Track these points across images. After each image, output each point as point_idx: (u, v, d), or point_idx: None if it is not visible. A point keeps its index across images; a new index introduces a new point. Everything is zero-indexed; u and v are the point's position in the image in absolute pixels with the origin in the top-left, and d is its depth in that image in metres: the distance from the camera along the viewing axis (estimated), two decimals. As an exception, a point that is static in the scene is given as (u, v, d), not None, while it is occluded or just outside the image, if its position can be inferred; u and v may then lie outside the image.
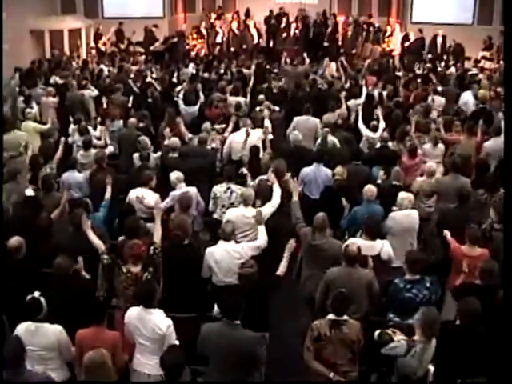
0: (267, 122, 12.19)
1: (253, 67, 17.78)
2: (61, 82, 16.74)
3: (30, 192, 9.00)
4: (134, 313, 6.39)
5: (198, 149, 11.08)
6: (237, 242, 8.00)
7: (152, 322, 6.25)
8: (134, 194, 9.33)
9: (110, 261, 7.31)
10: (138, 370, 6.35)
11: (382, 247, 7.76)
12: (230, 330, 6.03)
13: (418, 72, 18.29)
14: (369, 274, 7.20)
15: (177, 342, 6.19)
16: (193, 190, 9.33)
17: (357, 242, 7.45)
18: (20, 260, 7.45)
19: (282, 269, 7.44)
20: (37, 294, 6.29)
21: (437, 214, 9.07)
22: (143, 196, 9.23)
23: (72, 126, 12.94)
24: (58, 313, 6.44)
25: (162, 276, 7.34)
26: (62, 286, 6.90)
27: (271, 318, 7.18)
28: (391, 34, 23.10)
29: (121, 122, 13.07)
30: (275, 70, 19.26)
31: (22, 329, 6.20)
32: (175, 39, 22.95)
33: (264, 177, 9.55)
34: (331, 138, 11.60)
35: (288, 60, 19.21)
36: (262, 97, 14.35)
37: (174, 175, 9.46)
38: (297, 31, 23.63)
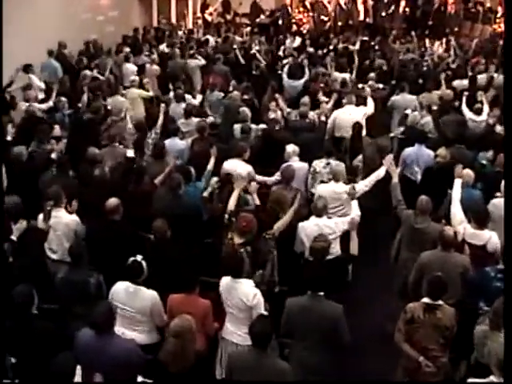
0: (370, 100, 12.02)
1: (358, 44, 17.55)
2: (167, 50, 16.97)
3: (130, 153, 9.18)
4: (223, 283, 6.43)
5: (305, 123, 11.01)
6: (329, 218, 7.93)
7: (239, 292, 6.26)
8: (227, 164, 9.37)
9: (228, 222, 7.41)
10: (227, 338, 6.39)
11: (490, 238, 7.41)
12: (314, 302, 6.01)
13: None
14: (465, 260, 7.00)
15: (265, 313, 6.15)
16: (304, 166, 9.33)
17: (459, 228, 7.27)
18: (117, 221, 7.58)
19: (354, 247, 7.31)
20: (139, 257, 6.38)
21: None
22: (236, 167, 9.25)
23: (171, 94, 13.13)
24: (153, 276, 6.51)
25: (273, 266, 7.34)
26: (157, 249, 7.00)
27: (363, 297, 7.11)
28: (503, 15, 22.29)
29: (220, 92, 13.16)
30: (377, 47, 18.95)
31: (120, 288, 6.34)
32: (281, 12, 22.88)
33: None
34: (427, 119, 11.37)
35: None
36: (372, 75, 14.12)
37: (291, 148, 9.46)
38: (406, 9, 23.11)
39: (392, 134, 10.76)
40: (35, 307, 5.85)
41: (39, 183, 8.77)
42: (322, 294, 6.04)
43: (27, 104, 11.71)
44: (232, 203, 7.66)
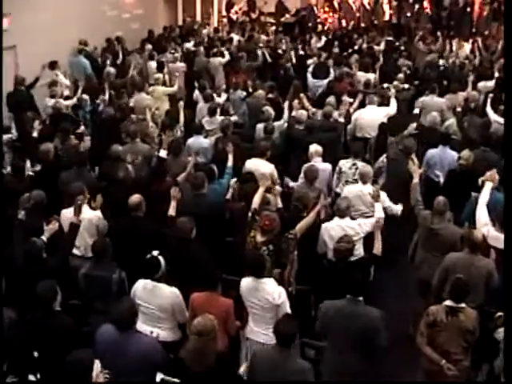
0: (393, 101, 11.96)
1: (383, 44, 17.48)
2: (192, 48, 17.02)
3: (163, 153, 9.20)
4: (245, 283, 6.44)
5: (325, 123, 10.98)
6: (352, 219, 7.90)
7: (264, 292, 6.27)
8: (250, 164, 9.39)
9: (251, 220, 7.42)
10: (251, 338, 6.39)
11: None
12: (352, 306, 5.98)
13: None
14: (490, 264, 6.92)
15: (289, 311, 6.18)
16: (327, 166, 9.33)
17: (483, 231, 7.22)
18: (139, 218, 7.63)
19: (378, 248, 7.28)
20: (155, 252, 6.42)
21: None
22: (259, 166, 9.25)
23: (196, 92, 13.18)
24: (175, 274, 6.56)
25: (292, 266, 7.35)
26: (181, 247, 7.01)
27: (383, 298, 7.08)
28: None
29: (243, 91, 13.19)
30: (403, 48, 18.81)
31: (140, 286, 6.37)
32: (306, 12, 22.84)
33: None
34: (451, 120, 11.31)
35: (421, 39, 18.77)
36: (401, 76, 13.99)
37: (313, 148, 9.43)
38: (431, 9, 22.95)
39: (405, 133, 10.67)
40: (59, 303, 5.88)
41: (60, 179, 8.86)
42: (361, 298, 6.02)
43: (54, 100, 11.79)
44: (256, 201, 7.66)
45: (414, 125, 11.15)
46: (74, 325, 5.84)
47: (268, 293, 6.25)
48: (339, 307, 6.05)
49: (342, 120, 11.51)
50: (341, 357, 5.99)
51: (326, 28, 22.65)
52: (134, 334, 5.60)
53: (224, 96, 13.18)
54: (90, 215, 7.68)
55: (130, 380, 5.48)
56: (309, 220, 7.55)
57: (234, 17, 22.80)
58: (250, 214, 7.48)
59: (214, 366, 5.22)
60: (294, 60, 15.71)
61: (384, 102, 11.98)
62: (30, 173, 9.21)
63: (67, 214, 7.57)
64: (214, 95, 12.84)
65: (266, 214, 7.19)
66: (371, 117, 11.34)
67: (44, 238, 6.98)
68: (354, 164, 9.30)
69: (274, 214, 7.23)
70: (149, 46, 16.63)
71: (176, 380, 5.72)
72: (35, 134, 10.37)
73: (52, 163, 9.27)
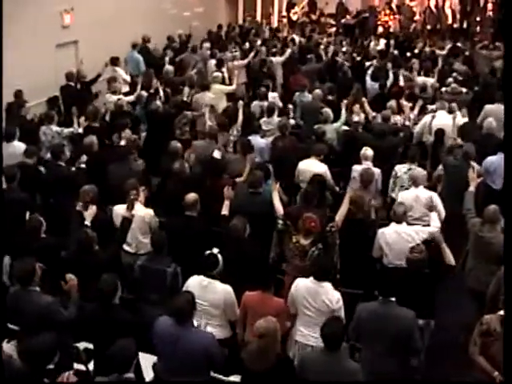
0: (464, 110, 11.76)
1: (446, 48, 17.27)
2: (250, 47, 17.08)
3: (217, 154, 9.25)
4: (302, 284, 6.39)
5: (386, 126, 10.91)
6: (409, 224, 7.81)
7: (323, 295, 6.23)
8: (303, 164, 9.38)
9: (283, 226, 7.39)
10: (301, 341, 6.34)
11: None
12: (386, 308, 5.96)
13: None
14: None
15: (343, 317, 6.15)
16: (376, 171, 9.22)
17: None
18: (193, 217, 7.65)
19: (449, 258, 7.18)
20: (215, 250, 6.46)
21: None
22: (311, 166, 9.23)
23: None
24: (229, 273, 6.55)
25: (338, 256, 7.34)
26: (235, 246, 7.00)
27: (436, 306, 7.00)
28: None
29: (308, 94, 13.14)
30: (466, 53, 18.54)
31: (195, 282, 6.39)
32: (367, 14, 22.73)
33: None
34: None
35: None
36: (450, 80, 13.81)
37: (365, 150, 9.40)
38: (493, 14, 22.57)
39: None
40: (118, 297, 5.96)
41: (109, 173, 9.01)
42: (393, 299, 5.99)
43: (115, 97, 11.96)
44: (279, 207, 7.65)
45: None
46: (133, 319, 5.92)
47: (328, 297, 6.23)
48: (372, 309, 6.04)
49: (407, 124, 11.42)
50: (376, 357, 5.97)
51: (386, 30, 22.46)
52: (192, 327, 5.66)
53: (274, 94, 13.18)
54: (143, 213, 7.74)
55: (186, 371, 5.54)
56: (345, 209, 7.55)
57: (294, 17, 22.76)
58: (280, 222, 7.46)
59: (274, 366, 5.26)
60: (350, 62, 15.63)
61: (441, 107, 11.78)
62: (82, 165, 9.39)
63: (120, 210, 7.66)
64: (275, 95, 12.92)
65: (307, 216, 7.13)
66: (441, 122, 11.15)
67: (87, 222, 7.12)
68: (410, 169, 9.21)
69: (313, 214, 7.17)
70: (207, 44, 16.74)
71: (231, 379, 5.78)
72: (81, 130, 10.54)
73: (99, 156, 9.41)
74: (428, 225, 7.85)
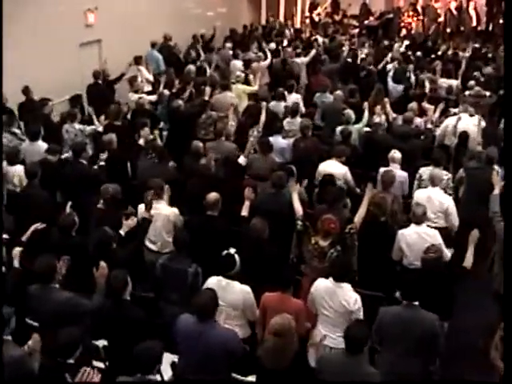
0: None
1: (468, 51, 17.15)
2: (273, 48, 17.07)
3: (242, 160, 9.29)
4: (322, 285, 6.38)
5: (407, 129, 10.84)
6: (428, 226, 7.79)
7: (341, 296, 6.22)
8: (323, 165, 9.36)
9: (303, 228, 7.39)
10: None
11: None
12: (409, 311, 5.92)
13: None
14: None
15: (362, 318, 6.13)
16: (403, 174, 9.22)
17: None
18: (213, 217, 7.64)
19: (468, 260, 7.14)
20: (232, 250, 6.44)
21: None
22: (331, 167, 9.21)
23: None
24: (248, 273, 6.55)
25: (357, 258, 7.32)
26: (255, 246, 7.00)
27: (457, 309, 6.96)
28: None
29: (330, 94, 13.11)
30: (490, 55, 18.38)
31: (213, 282, 6.38)
32: (390, 15, 22.61)
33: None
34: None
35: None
36: (471, 83, 13.72)
37: (393, 153, 9.35)
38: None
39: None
40: (128, 293, 5.97)
41: (138, 171, 9.08)
42: (417, 303, 5.96)
43: (137, 96, 12.00)
44: (298, 208, 7.64)
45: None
46: (145, 316, 5.90)
47: (345, 298, 6.21)
48: (396, 312, 6.02)
49: (430, 126, 11.36)
50: (399, 361, 5.93)
51: (409, 32, 22.34)
52: (214, 324, 5.66)
53: (297, 95, 13.17)
54: (168, 211, 7.78)
55: (206, 368, 5.56)
56: (363, 210, 7.51)
57: (317, 18, 22.72)
58: (299, 223, 7.46)
59: (290, 365, 5.25)
60: (372, 64, 15.55)
61: (465, 110, 11.70)
62: (102, 163, 9.45)
63: (143, 209, 7.68)
64: (298, 96, 12.90)
65: (326, 217, 7.10)
66: (466, 125, 11.07)
67: (122, 232, 7.10)
68: (434, 172, 9.15)
69: (332, 216, 7.15)
70: (228, 44, 16.75)
71: (249, 379, 5.77)
72: (100, 129, 10.59)
73: (117, 154, 9.47)
74: (436, 227, 7.88)
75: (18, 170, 8.76)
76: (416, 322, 5.89)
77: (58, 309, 5.84)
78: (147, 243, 7.84)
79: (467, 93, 13.20)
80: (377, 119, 11.48)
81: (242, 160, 9.31)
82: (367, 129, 11.29)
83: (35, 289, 6.08)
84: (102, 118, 10.83)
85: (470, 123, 11.03)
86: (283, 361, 5.23)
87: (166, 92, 12.28)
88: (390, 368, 5.86)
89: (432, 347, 5.94)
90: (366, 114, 11.43)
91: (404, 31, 22.53)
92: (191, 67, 14.20)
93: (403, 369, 5.89)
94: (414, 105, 11.83)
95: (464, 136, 10.44)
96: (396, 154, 9.33)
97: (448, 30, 22.49)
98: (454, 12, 22.87)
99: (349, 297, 6.22)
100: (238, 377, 5.84)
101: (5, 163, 8.80)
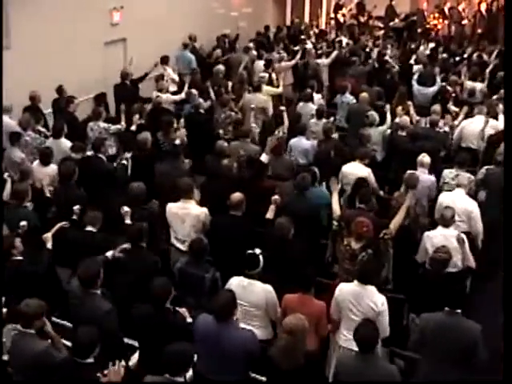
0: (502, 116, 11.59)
1: (495, 53, 16.99)
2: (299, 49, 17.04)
3: (264, 158, 9.27)
4: (347, 288, 6.35)
5: (428, 131, 10.79)
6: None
7: (368, 298, 6.18)
8: (346, 167, 9.32)
9: (338, 228, 7.38)
10: (345, 345, 6.28)
11: None
12: (452, 320, 5.87)
13: None
14: None
15: (387, 320, 6.13)
16: (430, 178, 9.13)
17: None
18: (237, 217, 7.64)
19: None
20: (258, 250, 6.43)
21: None
22: (354, 169, 9.18)
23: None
24: (271, 273, 6.54)
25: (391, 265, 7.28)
26: (279, 247, 6.99)
27: (478, 312, 6.89)
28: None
29: (351, 96, 13.07)
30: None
31: (235, 282, 6.38)
32: (415, 17, 22.46)
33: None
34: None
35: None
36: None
37: (422, 157, 9.22)
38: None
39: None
40: (169, 301, 5.94)
41: (156, 171, 9.09)
42: (459, 311, 5.91)
43: (164, 96, 12.05)
44: (337, 208, 7.60)
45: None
46: (186, 323, 5.94)
47: (372, 300, 6.18)
48: (439, 320, 5.94)
49: (447, 129, 11.28)
50: (440, 369, 5.87)
51: (436, 34, 22.14)
52: (232, 324, 5.66)
53: (318, 95, 13.17)
54: (198, 211, 7.76)
55: (225, 368, 5.57)
56: (401, 217, 7.52)
57: (342, 19, 22.64)
58: (335, 223, 7.41)
59: (302, 364, 5.25)
60: (398, 66, 15.50)
61: (492, 115, 11.59)
62: (124, 162, 9.49)
63: (173, 208, 7.78)
64: (320, 96, 12.86)
65: (360, 220, 7.08)
66: (477, 127, 11.05)
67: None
68: (458, 175, 9.10)
69: (366, 219, 7.13)
70: (250, 44, 16.74)
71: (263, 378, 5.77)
72: (134, 128, 10.60)
73: (148, 154, 9.47)
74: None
75: (50, 170, 8.84)
76: (461, 331, 5.86)
77: (94, 320, 5.69)
78: (175, 243, 7.84)
79: (495, 97, 13.05)
80: (399, 121, 11.40)
81: (264, 158, 9.29)
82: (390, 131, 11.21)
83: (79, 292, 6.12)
84: (137, 116, 10.82)
85: (499, 126, 10.93)
86: (295, 360, 5.24)
87: (194, 91, 12.22)
88: (430, 375, 5.88)
89: (473, 355, 5.86)
90: (389, 116, 11.38)
91: (432, 33, 22.29)
92: (220, 67, 14.19)
93: (442, 376, 5.85)
94: (437, 107, 11.71)
95: (491, 139, 10.35)
96: (425, 158, 9.20)
97: (479, 31, 22.21)
98: (484, 14, 22.64)
99: (376, 299, 6.19)
100: (258, 377, 5.84)
101: (36, 162, 8.95)
